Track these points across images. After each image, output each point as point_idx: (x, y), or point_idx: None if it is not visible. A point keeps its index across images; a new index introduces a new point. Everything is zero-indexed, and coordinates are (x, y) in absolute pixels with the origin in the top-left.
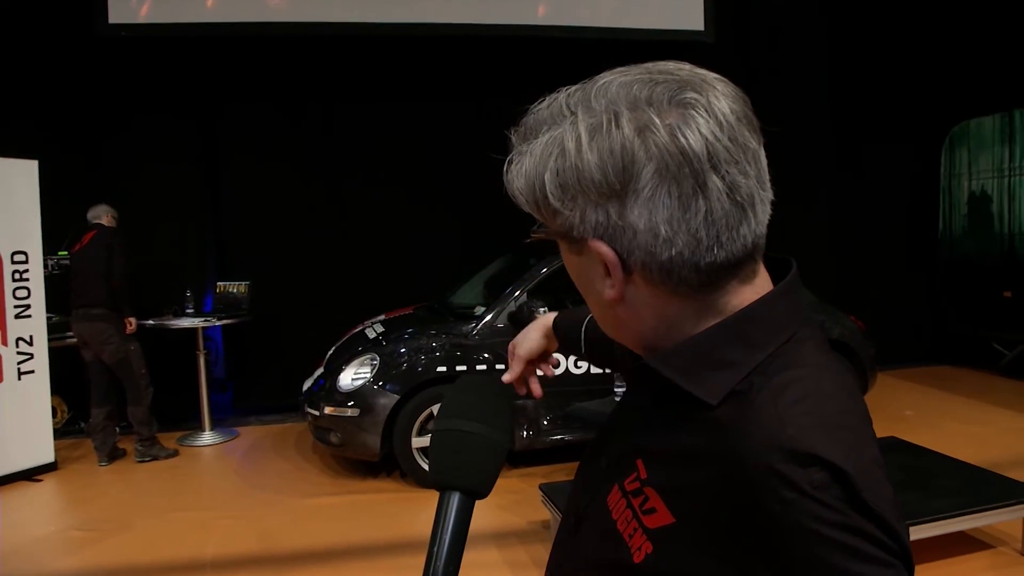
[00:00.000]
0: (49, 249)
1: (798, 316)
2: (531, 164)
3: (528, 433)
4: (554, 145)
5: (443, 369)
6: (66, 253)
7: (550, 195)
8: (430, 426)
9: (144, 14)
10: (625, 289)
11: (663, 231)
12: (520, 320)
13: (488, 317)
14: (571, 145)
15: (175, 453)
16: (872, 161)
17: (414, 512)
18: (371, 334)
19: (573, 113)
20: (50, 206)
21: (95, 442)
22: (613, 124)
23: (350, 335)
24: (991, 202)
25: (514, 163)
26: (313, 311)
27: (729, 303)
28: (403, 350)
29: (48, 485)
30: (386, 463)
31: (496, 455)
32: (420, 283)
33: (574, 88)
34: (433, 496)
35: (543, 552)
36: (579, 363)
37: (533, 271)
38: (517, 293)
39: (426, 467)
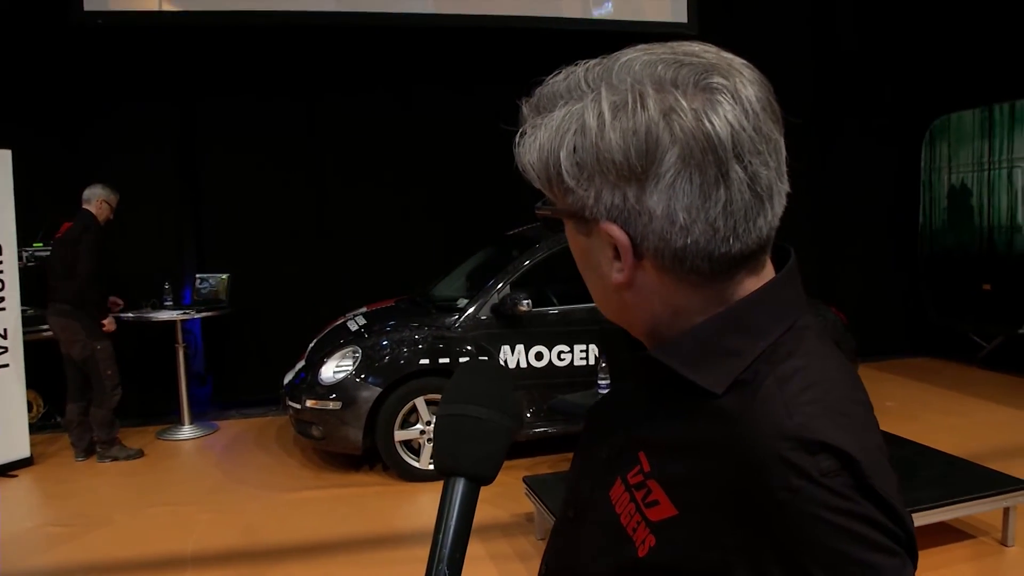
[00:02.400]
0: (24, 240)
1: (798, 304)
2: (546, 138)
3: None
4: (573, 120)
5: (426, 362)
6: (41, 244)
7: (565, 173)
8: (412, 419)
9: (120, 1)
10: (634, 274)
11: (681, 218)
12: (503, 312)
13: (471, 309)
14: (592, 122)
15: (139, 454)
16: (853, 154)
17: (397, 506)
18: (353, 326)
19: (594, 89)
20: (25, 197)
21: (72, 437)
22: (639, 104)
23: (332, 327)
24: (971, 196)
25: (527, 136)
26: (294, 303)
27: (736, 293)
28: (385, 343)
29: (24, 480)
30: (369, 456)
31: (505, 440)
32: (402, 275)
33: (593, 62)
34: (416, 489)
35: (527, 545)
36: (562, 356)
37: (516, 263)
38: (500, 285)
39: (409, 460)
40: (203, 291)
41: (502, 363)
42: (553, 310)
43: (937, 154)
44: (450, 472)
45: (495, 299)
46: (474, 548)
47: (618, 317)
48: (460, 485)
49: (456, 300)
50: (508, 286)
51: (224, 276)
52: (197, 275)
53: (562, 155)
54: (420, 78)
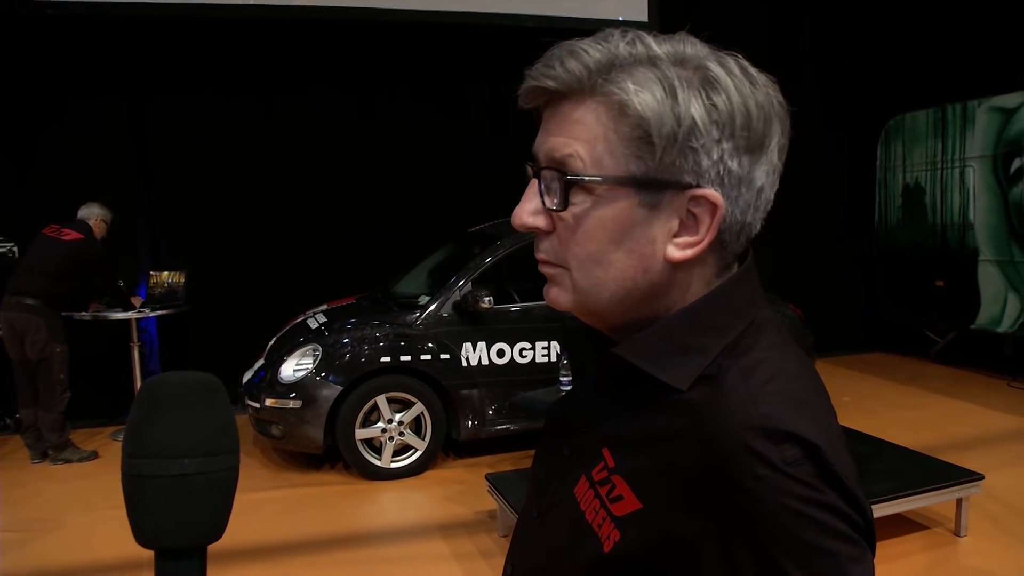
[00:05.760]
0: None
1: (757, 300)
2: (665, 91)
3: (473, 423)
4: (698, 79)
5: (387, 360)
6: None
7: (700, 128)
8: (373, 417)
9: None
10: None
11: (767, 192)
12: (465, 310)
13: (433, 307)
14: (730, 83)
15: (93, 455)
16: (810, 153)
17: (358, 505)
18: (313, 324)
19: (693, 60)
20: None
21: (27, 440)
22: (756, 75)
23: (291, 325)
24: (924, 194)
25: (636, 77)
26: (252, 301)
27: (726, 276)
28: (346, 340)
29: None
30: (329, 455)
31: (227, 488)
32: (363, 272)
33: (654, 42)
34: (378, 488)
35: (490, 542)
36: (524, 353)
37: (478, 260)
38: (462, 282)
39: (371, 459)
40: (159, 288)
41: (205, 376)
42: (515, 307)
43: (892, 153)
44: (166, 553)
45: (457, 296)
46: (437, 546)
47: (638, 303)
48: (182, 565)
49: (418, 297)
50: (470, 283)
51: (181, 273)
52: (152, 272)
53: (696, 111)
54: (378, 75)
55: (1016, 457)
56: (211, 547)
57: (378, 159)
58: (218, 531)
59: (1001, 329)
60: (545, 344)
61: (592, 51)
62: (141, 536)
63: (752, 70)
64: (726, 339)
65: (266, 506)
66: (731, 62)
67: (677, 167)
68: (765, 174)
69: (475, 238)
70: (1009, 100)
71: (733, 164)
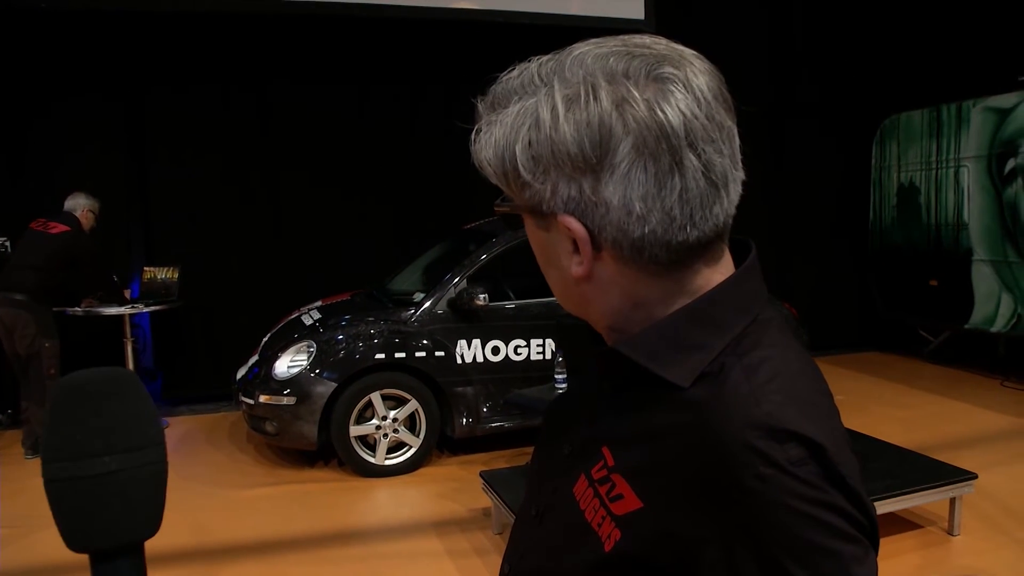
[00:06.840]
0: None
1: (760, 297)
2: (501, 134)
3: (467, 420)
4: (527, 115)
5: (382, 356)
6: None
7: (521, 167)
8: (368, 414)
9: None
10: (593, 266)
11: (637, 208)
12: (460, 307)
13: (427, 303)
14: (546, 116)
15: None
16: (806, 152)
17: (353, 502)
18: (307, 321)
19: (547, 83)
20: None
21: (25, 433)
22: (591, 96)
23: (286, 322)
24: (919, 194)
25: (483, 132)
26: (246, 297)
27: (695, 283)
28: (341, 337)
29: None
30: (323, 452)
31: (154, 481)
32: (357, 269)
33: (546, 58)
34: (372, 484)
35: (484, 540)
36: (519, 350)
37: (473, 257)
38: (457, 279)
39: (365, 456)
40: (152, 284)
41: (120, 369)
42: (510, 304)
43: (887, 152)
44: (100, 555)
45: (452, 293)
46: (431, 544)
47: (579, 311)
48: (120, 567)
49: (412, 294)
50: (465, 280)
51: (175, 268)
52: (145, 267)
53: (517, 150)
54: (376, 72)
55: (1009, 456)
56: (206, 544)
57: (374, 155)
58: (152, 527)
59: (994, 329)
60: (540, 342)
61: (491, 89)
62: (71, 541)
63: (607, 88)
64: (729, 335)
65: (260, 503)
66: (556, 89)
67: (528, 198)
68: (622, 193)
69: (470, 235)
70: (1004, 100)
71: (572, 191)
